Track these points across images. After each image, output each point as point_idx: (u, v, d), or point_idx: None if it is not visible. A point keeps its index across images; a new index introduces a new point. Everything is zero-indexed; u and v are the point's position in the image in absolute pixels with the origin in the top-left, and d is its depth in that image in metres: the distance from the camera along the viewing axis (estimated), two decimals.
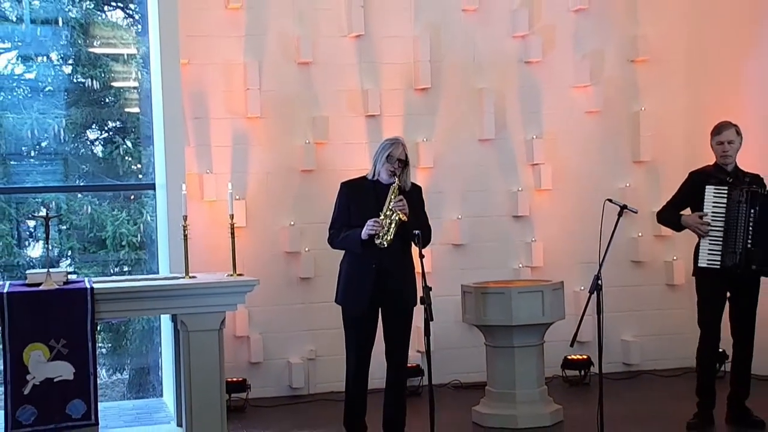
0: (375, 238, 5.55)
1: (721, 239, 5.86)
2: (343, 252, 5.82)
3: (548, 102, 7.92)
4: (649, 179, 8.00)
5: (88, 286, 5.50)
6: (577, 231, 7.66)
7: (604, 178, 7.88)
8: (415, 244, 5.33)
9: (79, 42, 7.75)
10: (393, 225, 5.55)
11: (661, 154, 7.98)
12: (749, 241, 5.80)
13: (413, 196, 5.73)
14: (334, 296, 5.83)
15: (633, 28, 8.02)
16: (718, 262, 5.87)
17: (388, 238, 5.55)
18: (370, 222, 5.55)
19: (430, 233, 5.77)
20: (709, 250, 5.89)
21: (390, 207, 5.57)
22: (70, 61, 7.86)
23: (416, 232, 5.37)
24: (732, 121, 6.07)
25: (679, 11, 8.06)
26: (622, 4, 8.03)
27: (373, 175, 5.73)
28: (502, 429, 6.16)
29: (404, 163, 5.68)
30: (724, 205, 5.86)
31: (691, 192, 6.04)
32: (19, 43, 7.88)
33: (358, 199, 5.72)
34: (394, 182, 5.62)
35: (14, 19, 7.77)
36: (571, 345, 5.55)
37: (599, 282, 5.45)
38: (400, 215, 5.53)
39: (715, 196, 5.88)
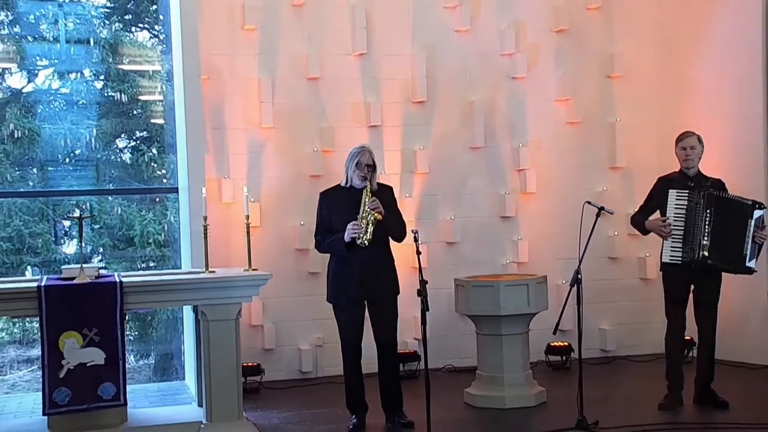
0: (356, 240, 5.56)
1: (681, 237, 5.88)
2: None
3: (533, 114, 7.92)
4: (624, 183, 7.99)
5: (118, 280, 5.49)
6: (558, 230, 7.66)
7: (583, 183, 7.87)
8: (415, 241, 5.33)
9: (109, 60, 7.75)
10: (370, 225, 5.56)
11: (635, 161, 7.97)
12: (705, 238, 5.82)
13: (384, 195, 5.73)
14: None
15: (609, 47, 8.02)
16: (679, 258, 5.89)
17: (368, 237, 5.56)
18: (349, 226, 5.56)
19: (404, 227, 5.77)
20: (671, 247, 5.91)
21: (365, 209, 5.58)
22: (101, 77, 7.85)
23: (414, 230, 5.40)
24: (694, 131, 6.10)
25: (650, 32, 8.05)
26: (599, 25, 8.02)
27: (347, 181, 5.73)
28: (492, 409, 6.15)
29: (372, 168, 5.68)
30: (685, 207, 5.88)
31: (658, 196, 6.05)
32: (56, 61, 7.87)
33: (336, 205, 5.73)
34: (366, 186, 5.63)
35: (51, 39, 7.77)
36: (554, 333, 5.57)
37: (579, 276, 5.45)
38: (376, 215, 5.55)
39: (677, 199, 5.90)
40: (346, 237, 5.57)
